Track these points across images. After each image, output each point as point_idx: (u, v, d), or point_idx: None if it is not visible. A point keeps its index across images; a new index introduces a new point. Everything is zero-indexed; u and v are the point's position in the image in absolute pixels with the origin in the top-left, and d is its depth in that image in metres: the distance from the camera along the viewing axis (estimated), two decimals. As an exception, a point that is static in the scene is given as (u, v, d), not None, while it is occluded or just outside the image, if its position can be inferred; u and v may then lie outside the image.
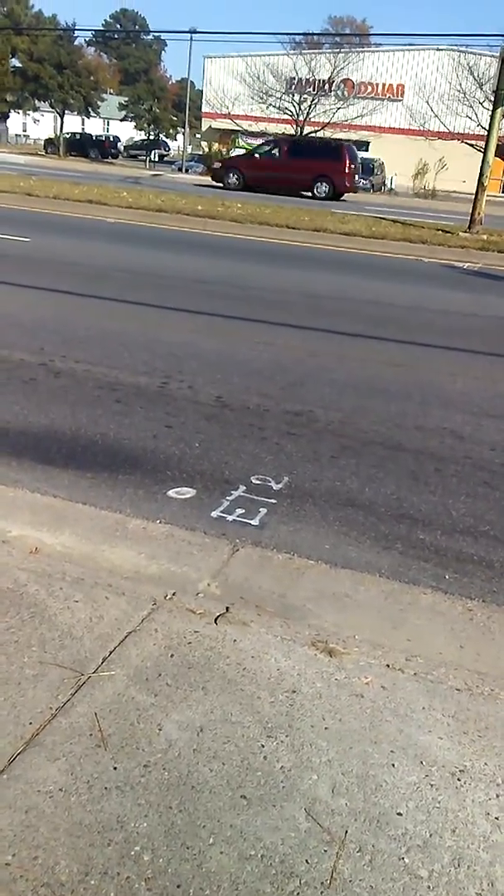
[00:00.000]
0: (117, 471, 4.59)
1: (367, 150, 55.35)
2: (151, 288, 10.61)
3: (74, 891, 1.80)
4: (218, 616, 3.04)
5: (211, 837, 1.99)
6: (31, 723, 2.33)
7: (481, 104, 38.70)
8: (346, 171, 34.33)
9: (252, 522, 4.08)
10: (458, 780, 2.29)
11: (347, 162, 34.28)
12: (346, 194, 35.37)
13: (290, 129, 49.51)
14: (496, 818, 2.17)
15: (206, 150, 55.01)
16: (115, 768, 2.18)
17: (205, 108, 61.43)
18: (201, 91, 65.05)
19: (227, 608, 3.10)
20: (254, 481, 4.56)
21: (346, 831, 2.07)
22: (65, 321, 8.13)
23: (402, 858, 2.01)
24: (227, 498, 4.34)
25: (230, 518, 4.12)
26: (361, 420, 5.79)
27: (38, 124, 71.57)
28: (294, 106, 49.34)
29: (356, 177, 36.39)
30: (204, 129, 63.66)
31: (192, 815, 2.05)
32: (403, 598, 3.41)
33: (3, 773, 2.12)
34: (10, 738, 2.26)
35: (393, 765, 2.32)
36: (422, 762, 2.35)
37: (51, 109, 60.07)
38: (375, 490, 4.58)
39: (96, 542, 3.67)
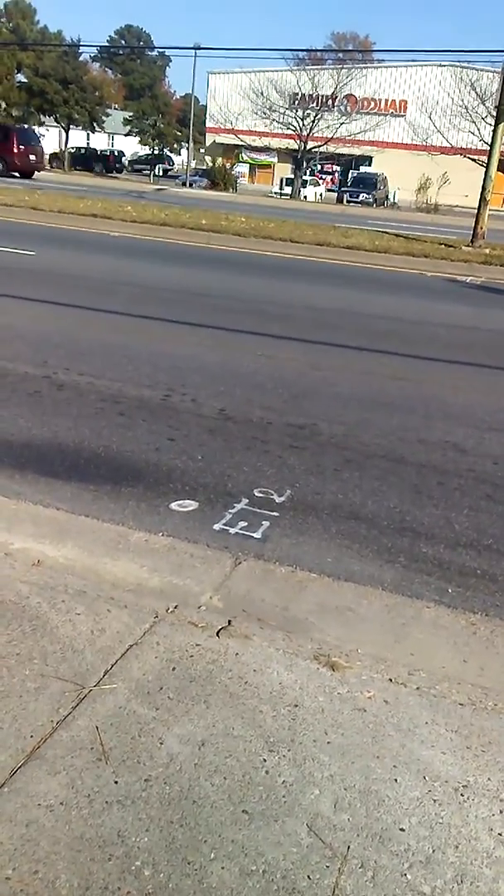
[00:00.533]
0: (120, 483, 4.59)
1: (370, 164, 55.73)
2: (155, 301, 10.65)
3: (74, 906, 1.79)
4: (220, 629, 3.03)
5: (212, 852, 1.98)
6: (31, 736, 2.32)
7: (483, 119, 38.97)
8: (15, 151, 41.41)
9: (254, 535, 4.08)
10: (462, 795, 2.28)
11: (16, 144, 41.36)
12: (33, 174, 42.51)
13: (293, 144, 49.83)
14: (499, 834, 2.15)
15: (210, 164, 55.33)
16: (116, 782, 2.17)
17: (209, 124, 61.91)
18: (205, 106, 65.54)
19: (230, 621, 3.10)
20: (256, 494, 4.56)
21: (349, 847, 2.06)
22: (69, 334, 8.16)
23: (405, 874, 1.99)
24: (230, 511, 4.34)
25: (233, 531, 4.11)
26: (364, 433, 5.80)
27: (44, 139, 72.08)
28: (297, 121, 49.67)
29: (30, 157, 42.72)
30: (208, 143, 64.12)
31: (193, 830, 2.04)
32: (406, 611, 3.40)
33: (4, 786, 2.11)
34: (10, 751, 2.25)
35: (395, 780, 2.31)
36: (424, 777, 2.33)
37: (56, 124, 60.50)
38: (378, 503, 4.58)
39: (98, 554, 3.67)
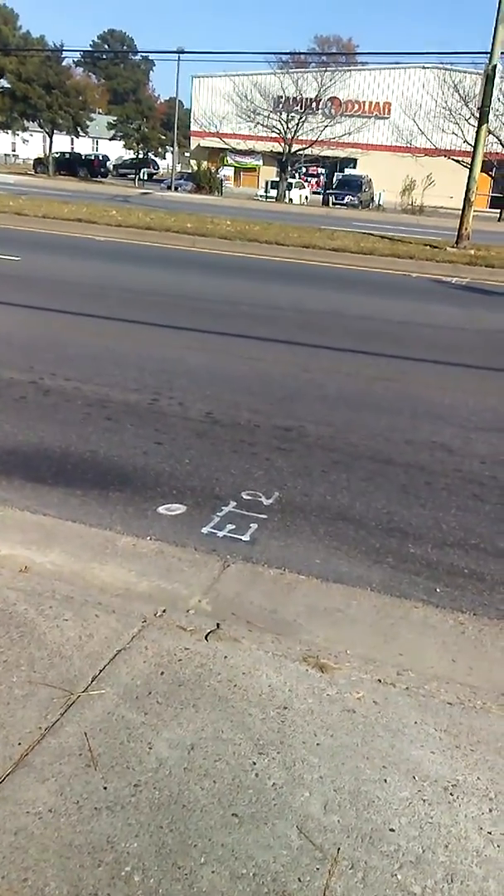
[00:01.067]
0: (107, 488, 4.58)
1: (354, 167, 55.87)
2: (141, 305, 10.63)
3: (64, 913, 1.78)
4: (209, 632, 3.03)
5: (202, 857, 1.98)
6: (19, 743, 2.31)
7: (467, 121, 39.24)
8: None
9: (243, 538, 4.07)
10: (451, 794, 2.28)
11: None
12: None
13: (277, 147, 49.90)
14: (489, 833, 2.16)
15: (195, 168, 55.35)
16: (105, 788, 2.17)
17: (193, 127, 61.88)
18: (190, 110, 65.55)
19: (218, 624, 3.09)
20: (244, 497, 4.56)
21: (339, 848, 2.05)
22: (55, 339, 8.14)
23: (395, 875, 2.00)
24: (218, 514, 4.34)
25: (221, 534, 4.11)
26: (352, 434, 5.81)
27: (28, 144, 71.91)
28: (281, 124, 49.77)
29: None
30: (193, 147, 64.10)
31: (183, 835, 2.04)
32: (395, 612, 3.40)
33: (-8, 794, 2.10)
34: (-2, 759, 2.24)
35: (385, 780, 2.31)
36: (414, 777, 2.33)
37: (40, 129, 60.36)
38: (366, 504, 4.58)
39: (86, 559, 3.66)
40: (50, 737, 2.34)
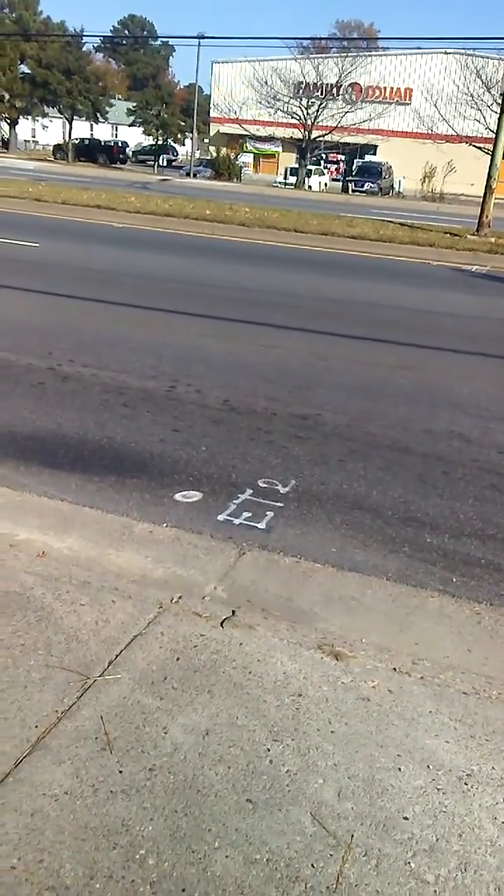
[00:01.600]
0: (124, 475, 4.59)
1: (375, 153, 55.41)
2: (159, 292, 10.63)
3: (79, 894, 1.80)
4: (224, 619, 3.03)
5: (216, 841, 1.99)
6: (36, 726, 2.33)
7: (489, 107, 38.77)
8: None
9: (259, 526, 4.08)
10: (465, 784, 2.28)
11: None
12: None
13: (297, 134, 49.56)
14: (503, 822, 2.15)
15: (215, 154, 55.12)
16: (120, 772, 2.18)
17: (213, 113, 61.61)
18: (209, 96, 65.24)
19: (234, 611, 3.10)
20: (261, 485, 4.56)
21: (353, 835, 2.06)
22: (73, 326, 8.15)
23: (409, 863, 2.00)
24: (234, 501, 4.34)
25: (237, 521, 4.11)
26: (369, 423, 5.78)
27: (47, 130, 71.90)
28: (302, 110, 49.40)
29: None
30: (212, 133, 63.83)
31: (197, 819, 2.05)
32: (410, 601, 3.40)
33: (9, 776, 2.12)
34: (15, 741, 2.26)
35: (399, 769, 2.31)
36: (429, 766, 2.33)
37: (59, 115, 60.27)
38: (383, 493, 4.57)
39: (103, 545, 3.68)
40: (66, 720, 2.36)
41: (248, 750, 2.32)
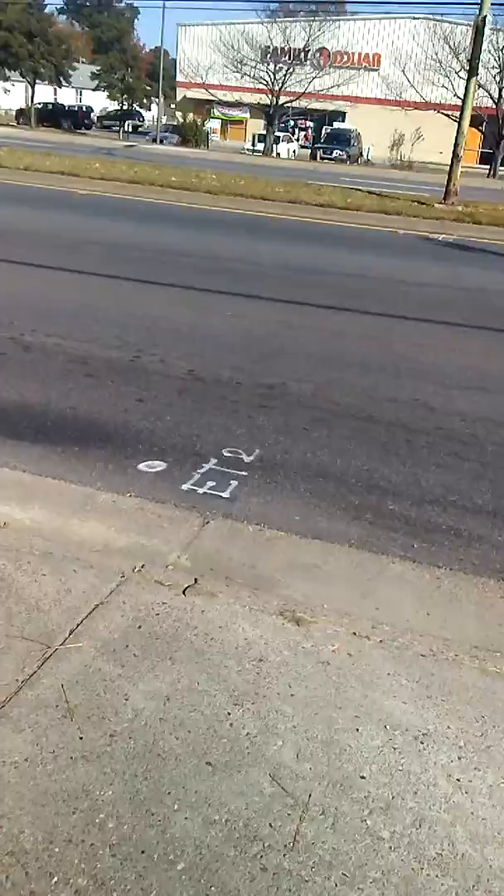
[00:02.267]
0: (88, 445, 4.57)
1: (343, 120, 54.97)
2: (124, 261, 10.50)
3: (39, 858, 1.82)
4: (186, 587, 3.05)
5: (175, 804, 2.02)
6: (-4, 696, 2.33)
7: (457, 74, 38.58)
8: None
9: (223, 495, 4.09)
10: (422, 743, 2.33)
11: None
12: None
13: (265, 99, 48.94)
14: (457, 780, 2.21)
15: (181, 120, 54.25)
16: (81, 738, 2.20)
17: (179, 78, 60.56)
18: (175, 60, 64.01)
19: (196, 580, 3.12)
20: (225, 454, 4.56)
21: (310, 795, 2.10)
22: (36, 295, 8.04)
23: (365, 820, 2.04)
24: (199, 471, 4.34)
25: (201, 491, 4.12)
26: (334, 392, 5.80)
27: (9, 94, 70.12)
28: (269, 75, 48.77)
29: None
30: (179, 98, 62.76)
31: (157, 783, 2.07)
32: (372, 567, 3.44)
33: (-31, 745, 2.13)
34: (-25, 711, 2.26)
35: (357, 729, 2.35)
36: (386, 726, 2.38)
37: (21, 79, 58.78)
38: (346, 461, 4.60)
39: (66, 516, 3.66)
40: (27, 689, 2.37)
41: (208, 714, 2.35)
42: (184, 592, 3.02)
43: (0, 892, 1.72)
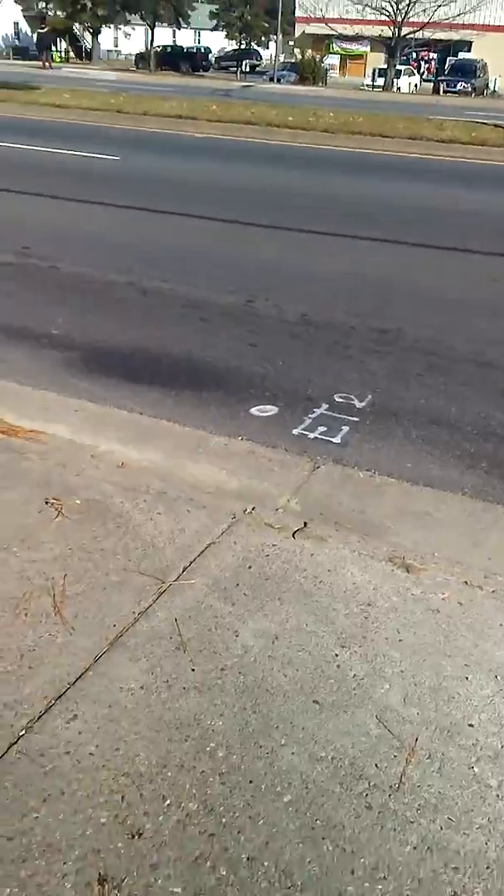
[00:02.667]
0: (201, 389, 4.63)
1: (468, 50, 52.01)
2: (239, 205, 10.44)
3: (153, 781, 1.91)
4: (296, 531, 3.07)
5: (283, 738, 2.07)
6: (114, 625, 2.44)
7: None
8: None
9: (334, 440, 4.07)
10: (533, 695, 2.28)
11: None
12: None
13: (386, 31, 46.84)
14: None
15: (299, 57, 52.80)
16: (193, 670, 2.28)
17: (298, 13, 58.70)
18: (294, -6, 62.09)
19: (305, 523, 3.13)
20: (336, 399, 4.52)
21: (417, 739, 2.11)
22: (153, 241, 8.13)
23: (472, 767, 2.04)
24: (310, 416, 4.33)
25: (312, 436, 4.11)
26: (453, 337, 5.62)
27: (129, 38, 70.16)
28: (391, 6, 46.50)
29: None
30: (297, 35, 61.01)
31: (265, 717, 2.13)
32: (486, 516, 3.35)
33: (89, 670, 2.25)
34: (95, 638, 2.37)
35: (466, 678, 2.33)
36: (497, 677, 2.35)
37: (142, 22, 58.61)
38: (462, 408, 4.48)
39: (180, 457, 3.74)
40: (143, 621, 2.46)
41: (315, 655, 2.38)
42: (293, 535, 3.04)
43: (117, 812, 1.82)
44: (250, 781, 1.94)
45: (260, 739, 2.06)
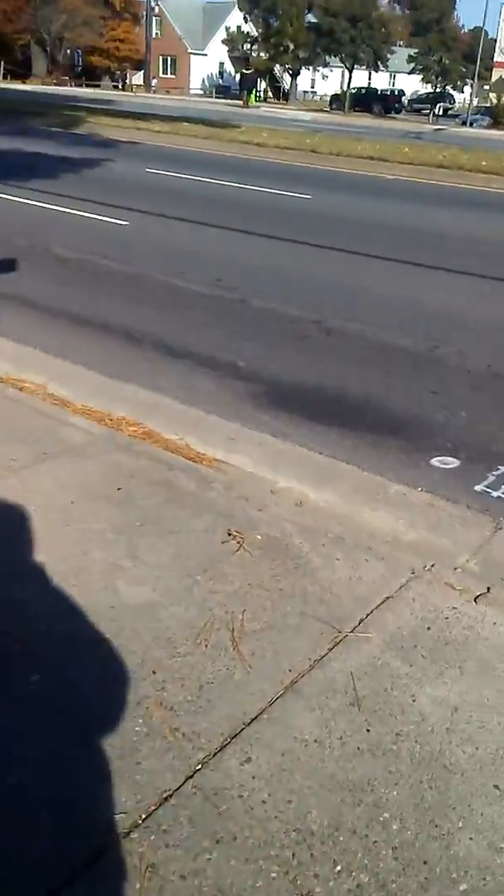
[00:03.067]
0: (381, 433, 4.57)
1: None
2: (430, 248, 10.31)
3: (324, 842, 1.86)
4: (478, 595, 2.94)
5: (460, 821, 1.95)
6: (290, 670, 2.41)
7: None
8: None
9: (520, 502, 3.88)
10: None
11: None
12: None
13: None
14: None
15: (495, 101, 52.05)
16: (368, 731, 2.21)
17: (497, 58, 58.13)
18: (495, 39, 61.48)
19: (489, 588, 2.99)
20: (525, 459, 4.32)
21: None
22: (340, 280, 8.19)
23: None
24: (493, 473, 4.16)
25: (495, 494, 3.95)
26: None
27: (326, 80, 72.12)
28: None
29: None
30: (493, 79, 60.30)
31: (442, 795, 2.02)
32: None
33: (264, 712, 2.23)
34: (271, 680, 2.36)
35: None
36: None
37: (340, 65, 60.07)
38: None
39: (357, 502, 3.70)
40: (318, 670, 2.42)
41: (497, 735, 2.24)
42: (475, 600, 2.91)
43: (287, 868, 1.77)
44: (424, 862, 1.84)
45: (436, 818, 1.96)
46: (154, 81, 65.65)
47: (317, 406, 4.91)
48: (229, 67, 72.03)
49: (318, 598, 2.79)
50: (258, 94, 62.49)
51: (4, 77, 60.26)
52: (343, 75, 59.88)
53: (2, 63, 62.17)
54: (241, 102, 48.57)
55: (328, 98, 64.90)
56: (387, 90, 65.51)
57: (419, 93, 68.80)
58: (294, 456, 4.18)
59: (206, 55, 74.25)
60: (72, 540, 3.05)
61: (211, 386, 5.12)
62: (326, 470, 4.05)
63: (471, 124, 49.19)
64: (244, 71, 52.62)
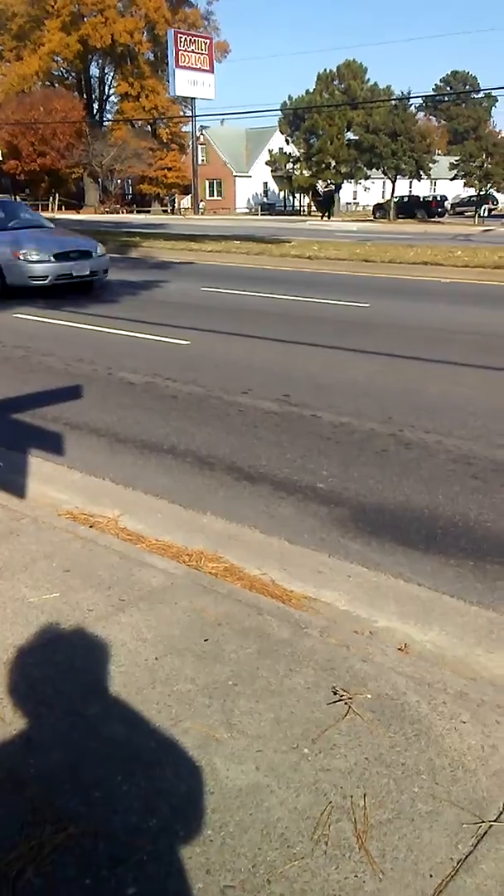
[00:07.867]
0: (484, 559, 4.21)
1: None
2: (497, 351, 10.10)
3: None
4: None
5: None
6: (431, 874, 2.03)
7: None
8: None
9: None
10: None
11: None
12: None
13: None
14: None
15: (539, 201, 52.90)
16: None
17: (539, 159, 59.37)
18: (536, 142, 63.06)
19: None
20: None
21: None
22: (410, 388, 7.97)
23: None
24: None
25: None
26: None
27: (368, 192, 74.77)
28: None
29: None
30: (537, 179, 61.51)
31: None
32: None
33: (408, 941, 1.85)
34: (410, 891, 1.98)
35: None
36: None
37: (382, 176, 62.35)
38: None
39: (469, 643, 3.34)
40: (464, 874, 2.03)
41: None
42: None
43: None
44: None
45: None
46: (202, 204, 69.21)
47: (408, 529, 4.59)
48: (272, 186, 75.41)
49: (448, 774, 2.41)
50: (302, 209, 65.41)
51: (60, 208, 64.21)
52: (384, 185, 61.90)
53: (57, 195, 66.42)
54: (286, 218, 50.93)
55: (370, 208, 67.20)
56: (429, 196, 67.47)
57: (461, 196, 70.65)
58: (391, 589, 3.86)
59: (250, 176, 78.17)
60: (159, 706, 2.75)
61: (291, 511, 4.87)
62: (429, 605, 3.71)
63: (517, 223, 49.91)
64: (324, 189, 58.40)
